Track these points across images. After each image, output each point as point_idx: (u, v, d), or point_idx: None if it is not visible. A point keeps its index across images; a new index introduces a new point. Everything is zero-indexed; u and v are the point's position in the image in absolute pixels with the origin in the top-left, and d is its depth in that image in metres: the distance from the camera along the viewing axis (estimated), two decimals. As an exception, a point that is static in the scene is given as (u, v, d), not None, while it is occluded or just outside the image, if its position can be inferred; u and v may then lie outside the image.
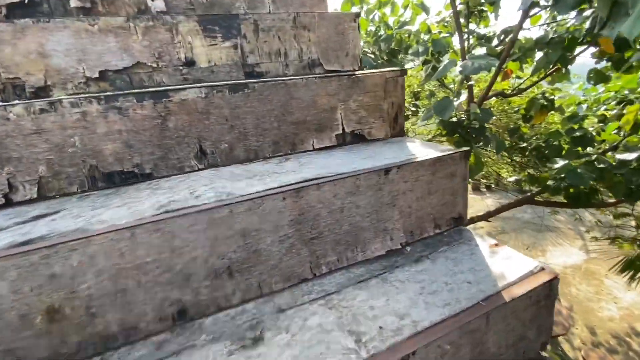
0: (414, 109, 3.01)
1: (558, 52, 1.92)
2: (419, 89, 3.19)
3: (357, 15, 1.24)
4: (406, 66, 2.80)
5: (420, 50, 2.06)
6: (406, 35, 2.32)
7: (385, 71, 1.02)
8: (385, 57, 2.40)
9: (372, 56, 2.40)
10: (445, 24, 2.86)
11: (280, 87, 0.91)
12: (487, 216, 2.52)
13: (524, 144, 2.83)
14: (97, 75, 0.95)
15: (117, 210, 0.65)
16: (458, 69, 1.69)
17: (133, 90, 0.78)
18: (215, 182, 0.77)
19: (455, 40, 2.81)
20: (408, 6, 2.52)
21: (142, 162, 0.80)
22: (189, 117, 0.83)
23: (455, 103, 1.68)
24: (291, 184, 0.71)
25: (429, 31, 2.52)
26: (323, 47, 1.21)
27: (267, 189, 0.69)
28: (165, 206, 0.65)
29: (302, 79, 0.92)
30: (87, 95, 0.73)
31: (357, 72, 0.99)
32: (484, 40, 2.61)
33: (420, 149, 0.93)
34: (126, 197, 0.72)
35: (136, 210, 0.64)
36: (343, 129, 1.01)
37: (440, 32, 2.37)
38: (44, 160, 0.73)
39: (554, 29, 2.24)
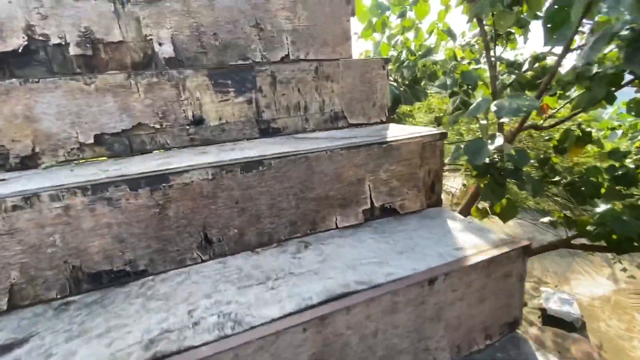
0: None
1: (603, 88, 1.73)
2: (441, 114, 3.02)
3: (387, 61, 1.10)
4: (429, 91, 2.64)
5: (449, 82, 1.90)
6: (430, 62, 2.17)
7: (422, 135, 0.88)
8: (407, 84, 2.26)
9: (395, 84, 2.26)
10: (471, 48, 2.69)
11: (301, 161, 0.77)
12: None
13: (556, 178, 2.62)
14: (92, 140, 0.83)
15: (96, 344, 0.52)
16: (493, 108, 1.53)
17: (125, 175, 0.65)
18: (220, 288, 0.63)
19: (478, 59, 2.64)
20: (433, 31, 2.38)
21: (135, 258, 0.67)
22: (192, 203, 0.69)
23: (491, 147, 1.51)
24: (314, 305, 0.57)
25: (454, 58, 2.36)
26: (347, 98, 1.07)
27: (284, 315, 0.55)
28: (155, 342, 0.51)
29: (325, 150, 0.78)
30: (70, 185, 0.61)
31: (388, 139, 0.84)
32: (514, 67, 2.44)
33: (467, 236, 0.77)
34: (112, 315, 0.58)
35: (118, 351, 0.50)
36: (371, 203, 0.86)
37: (468, 62, 2.21)
38: (17, 264, 0.60)
39: (594, 59, 2.05)
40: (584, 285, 5.39)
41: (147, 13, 1.06)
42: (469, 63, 2.23)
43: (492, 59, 2.25)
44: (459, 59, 2.46)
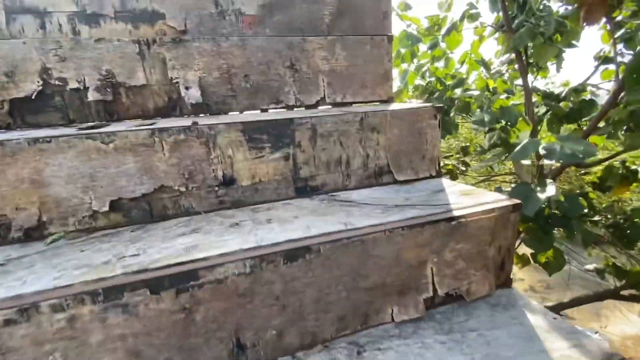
0: (463, 167, 2.68)
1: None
2: (467, 144, 2.87)
3: (439, 110, 0.97)
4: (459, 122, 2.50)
5: (487, 119, 1.77)
6: (465, 96, 2.04)
7: (495, 208, 0.73)
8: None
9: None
10: (501, 77, 2.56)
11: (355, 245, 0.63)
12: (561, 307, 2.10)
13: (597, 217, 2.43)
14: (107, 207, 0.71)
15: None
16: (542, 152, 1.38)
17: (145, 271, 0.52)
18: None
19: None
20: (465, 61, 2.26)
21: (152, 375, 0.54)
22: (225, 304, 0.56)
23: (542, 197, 1.36)
24: None
25: (487, 88, 2.23)
26: (394, 150, 0.94)
27: None
28: None
29: (384, 231, 0.65)
30: (77, 291, 0.48)
31: (456, 213, 0.70)
32: (551, 98, 2.29)
33: (556, 342, 0.62)
34: None
35: None
36: (434, 290, 0.71)
37: (506, 97, 2.07)
38: (5, 392, 0.47)
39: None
40: (613, 323, 5.03)
41: (174, 54, 0.96)
42: (507, 97, 2.09)
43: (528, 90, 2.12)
44: (490, 88, 2.33)
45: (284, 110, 1.09)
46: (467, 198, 0.80)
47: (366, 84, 1.17)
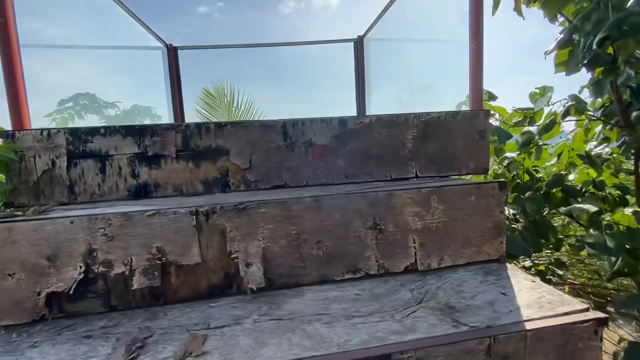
0: (557, 269, 2.19)
1: None
2: (561, 237, 2.38)
3: (604, 322, 0.66)
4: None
5: (611, 245, 1.37)
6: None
7: None
8: (531, 222, 1.75)
9: (513, 224, 1.78)
10: (608, 165, 2.13)
11: None
12: None
13: None
14: None
15: None
16: None
17: None
18: None
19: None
20: (561, 153, 1.90)
21: None
22: None
23: None
24: None
25: (594, 184, 1.83)
26: (534, 383, 0.63)
27: None
28: None
29: None
30: None
31: None
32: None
33: None
34: None
35: None
36: None
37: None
38: None
39: None
40: None
41: (235, 224, 0.79)
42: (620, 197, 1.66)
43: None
44: (596, 182, 1.91)
45: (363, 279, 0.86)
46: None
47: (470, 241, 0.90)
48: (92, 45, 2.37)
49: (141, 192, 1.02)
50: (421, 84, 2.39)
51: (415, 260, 0.87)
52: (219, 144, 1.04)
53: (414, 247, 0.87)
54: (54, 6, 2.42)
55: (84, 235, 0.75)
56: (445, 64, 2.42)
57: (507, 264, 0.92)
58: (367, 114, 2.91)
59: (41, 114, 2.78)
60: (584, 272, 2.44)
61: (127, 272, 0.75)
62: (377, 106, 2.81)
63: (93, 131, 1.00)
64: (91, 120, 3.01)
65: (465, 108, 1.96)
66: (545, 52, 1.64)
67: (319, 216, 0.83)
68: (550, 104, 1.65)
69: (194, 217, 0.77)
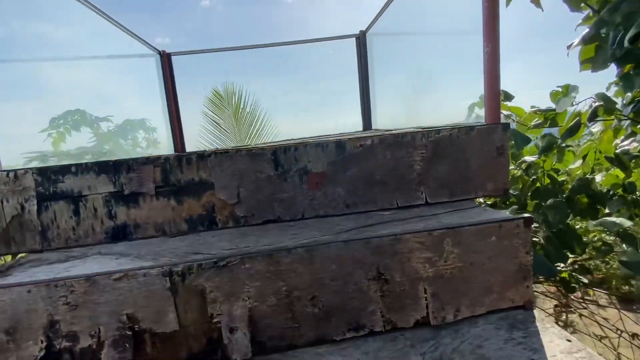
0: (581, 277, 2.04)
1: None
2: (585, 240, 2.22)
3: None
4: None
5: (649, 265, 1.22)
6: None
7: None
8: (554, 233, 1.60)
9: (533, 236, 1.63)
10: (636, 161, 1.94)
11: None
12: None
13: None
14: None
15: None
16: None
17: None
18: None
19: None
20: (587, 155, 1.74)
21: None
22: None
23: None
24: None
25: (622, 188, 1.66)
26: None
27: None
28: None
29: None
30: None
31: None
32: None
33: None
34: None
35: None
36: None
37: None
38: None
39: None
40: None
41: (216, 283, 0.68)
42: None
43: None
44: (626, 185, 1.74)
45: (367, 337, 0.74)
46: None
47: (491, 288, 0.77)
48: (78, 57, 2.28)
49: (120, 234, 0.93)
50: (429, 82, 2.22)
51: (427, 313, 0.76)
52: (202, 177, 0.93)
53: (425, 297, 0.76)
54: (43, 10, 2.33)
55: (44, 305, 0.65)
56: (455, 56, 2.24)
57: (535, 310, 0.80)
58: (372, 114, 2.76)
59: (35, 130, 2.73)
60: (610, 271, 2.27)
61: (94, 346, 0.66)
62: (382, 107, 2.65)
63: (63, 170, 0.90)
64: (87, 135, 2.96)
65: (477, 110, 1.80)
66: (568, 47, 1.46)
67: (313, 269, 0.72)
68: (574, 104, 1.48)
69: (168, 278, 0.67)
